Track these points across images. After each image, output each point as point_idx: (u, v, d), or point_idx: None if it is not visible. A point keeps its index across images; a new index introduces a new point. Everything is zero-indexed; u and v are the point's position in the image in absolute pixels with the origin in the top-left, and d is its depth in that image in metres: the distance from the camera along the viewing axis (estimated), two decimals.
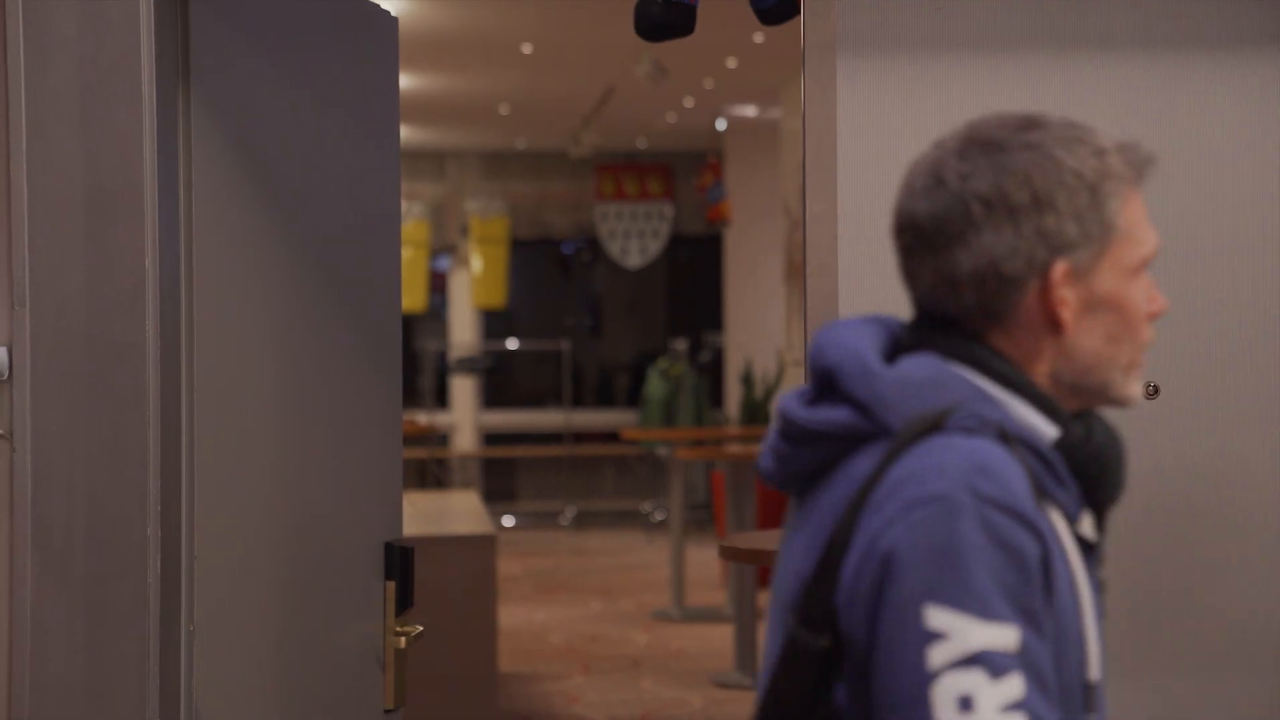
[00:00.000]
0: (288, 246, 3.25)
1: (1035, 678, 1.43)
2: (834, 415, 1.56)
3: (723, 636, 8.90)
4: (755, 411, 11.81)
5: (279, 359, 3.23)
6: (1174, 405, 3.11)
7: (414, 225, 14.20)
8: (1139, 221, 1.64)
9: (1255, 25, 3.08)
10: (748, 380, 12.04)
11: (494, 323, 15.15)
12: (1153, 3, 3.10)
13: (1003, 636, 1.42)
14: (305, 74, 3.31)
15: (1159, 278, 3.04)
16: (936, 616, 1.43)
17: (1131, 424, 3.10)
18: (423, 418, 13.87)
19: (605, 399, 15.56)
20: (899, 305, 3.07)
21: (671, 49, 9.49)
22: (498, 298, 14.57)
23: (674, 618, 9.68)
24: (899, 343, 1.67)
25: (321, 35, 3.37)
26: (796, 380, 10.68)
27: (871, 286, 3.08)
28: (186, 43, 3.00)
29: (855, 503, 1.52)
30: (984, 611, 1.43)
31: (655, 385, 13.43)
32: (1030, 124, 1.62)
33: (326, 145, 3.38)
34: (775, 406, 1.63)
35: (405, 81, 11.26)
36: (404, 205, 14.88)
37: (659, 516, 13.54)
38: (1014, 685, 1.41)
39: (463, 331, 14.72)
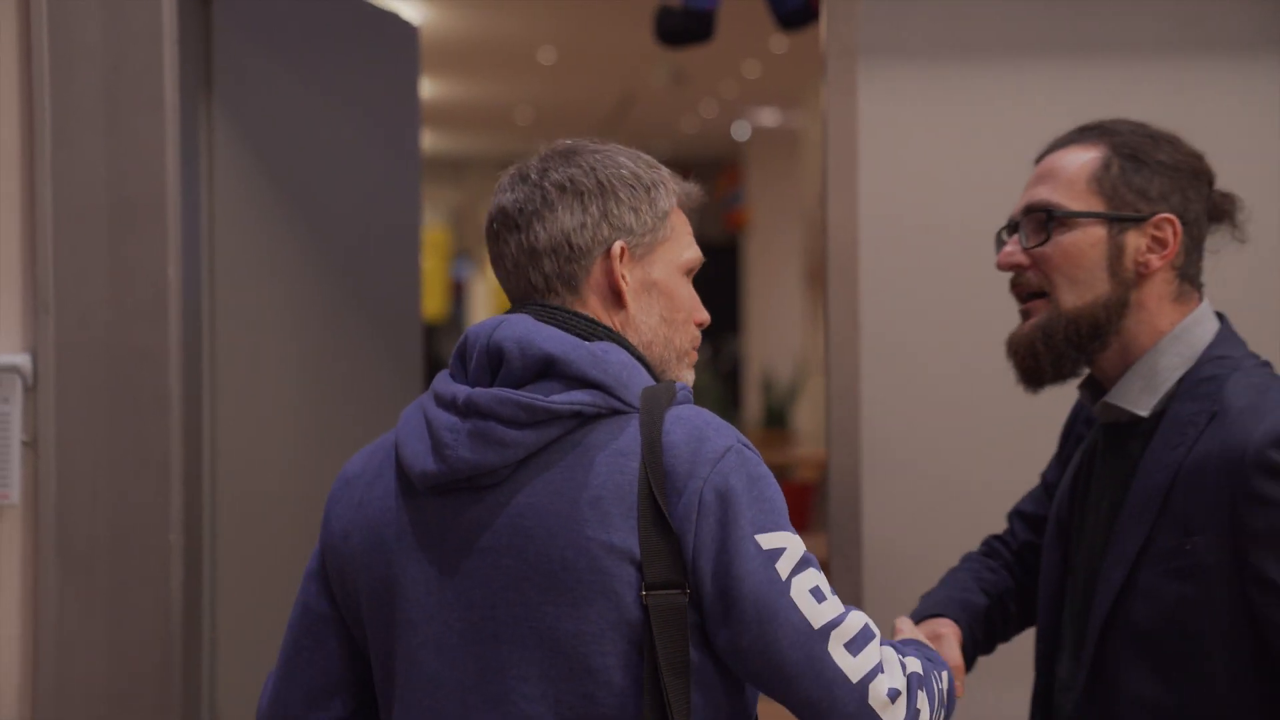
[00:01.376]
0: (309, 254, 3.26)
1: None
2: (580, 397, 1.80)
3: None
4: (775, 417, 11.80)
5: (300, 365, 3.25)
6: None
7: (434, 232, 14.21)
8: (685, 234, 1.98)
9: (1278, 30, 3.08)
10: (769, 386, 12.04)
11: None
12: (1170, 7, 3.09)
13: (803, 543, 1.81)
14: (326, 83, 3.32)
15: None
16: (768, 539, 1.78)
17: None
18: None
19: None
20: (920, 308, 3.08)
21: (691, 56, 9.50)
22: None
23: None
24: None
25: (343, 44, 3.38)
26: (818, 387, 10.67)
27: (893, 291, 3.08)
28: (209, 52, 3.01)
29: (651, 469, 1.78)
30: (789, 528, 1.81)
31: None
32: (600, 141, 1.98)
33: (347, 153, 3.39)
34: (474, 401, 1.80)
35: (425, 88, 11.27)
36: (424, 212, 14.90)
37: None
38: (823, 573, 1.82)
39: None
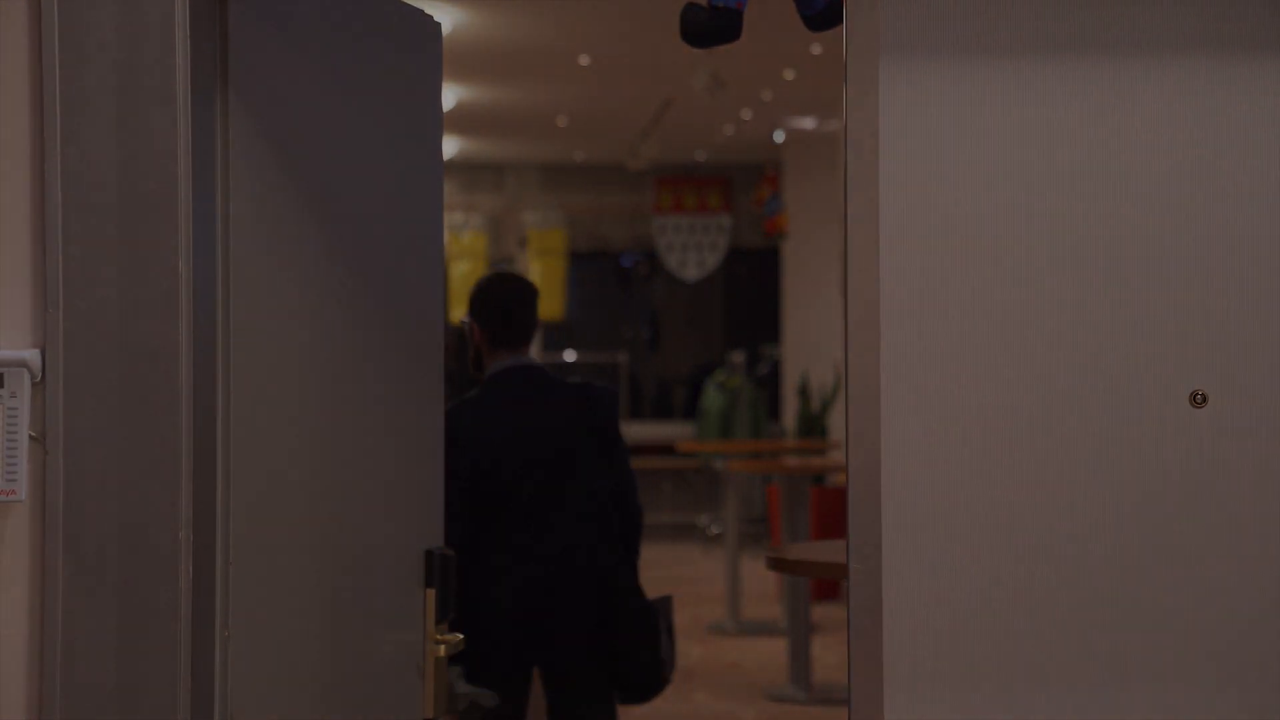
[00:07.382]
0: (326, 251, 3.24)
1: None
2: None
3: (777, 650, 8.85)
4: (812, 424, 11.74)
5: (316, 363, 3.22)
6: (1220, 412, 3.05)
7: (472, 237, 14.20)
8: None
9: None
10: (804, 393, 11.97)
11: (551, 335, 15.13)
12: (1201, 5, 3.05)
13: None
14: (346, 78, 3.29)
15: (1206, 279, 3.00)
16: None
17: (1180, 431, 3.05)
18: None
19: (662, 411, 15.51)
20: (940, 306, 3.04)
21: (729, 61, 9.46)
22: (555, 310, 14.56)
23: (729, 631, 9.64)
24: None
25: (363, 39, 3.35)
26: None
27: (913, 290, 3.04)
28: (225, 46, 2.99)
29: None
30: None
31: (712, 398, 13.37)
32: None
33: (367, 150, 3.36)
34: None
35: (464, 93, 11.27)
36: (462, 217, 14.93)
37: (715, 530, 13.48)
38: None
39: None
